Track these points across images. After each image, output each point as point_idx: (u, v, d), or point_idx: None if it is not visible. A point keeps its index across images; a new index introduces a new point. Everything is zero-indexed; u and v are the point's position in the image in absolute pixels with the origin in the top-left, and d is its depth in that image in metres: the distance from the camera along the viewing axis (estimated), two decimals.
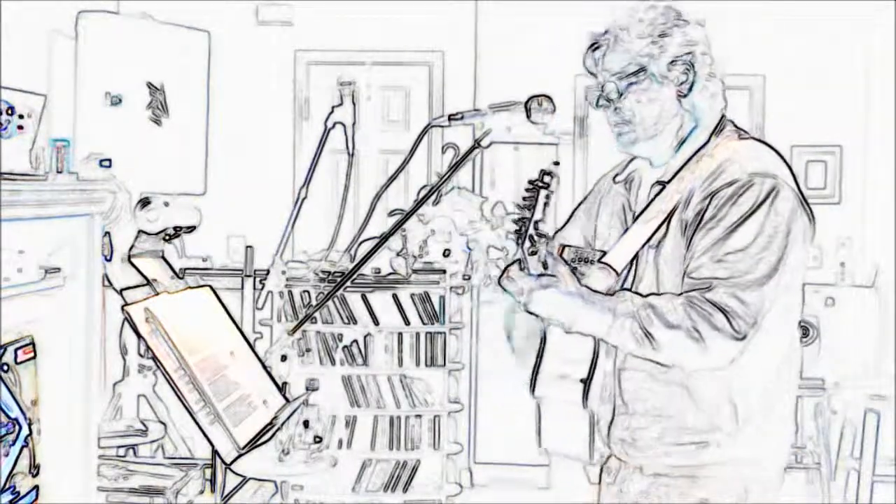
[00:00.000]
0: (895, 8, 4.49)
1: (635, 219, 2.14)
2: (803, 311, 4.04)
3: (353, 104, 4.34)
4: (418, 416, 4.31)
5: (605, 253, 2.14)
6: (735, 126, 2.16)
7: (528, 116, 2.08)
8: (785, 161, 2.07)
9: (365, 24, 4.66)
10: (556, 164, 2.09)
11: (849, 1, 4.49)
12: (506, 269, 2.08)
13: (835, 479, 4.12)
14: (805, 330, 4.09)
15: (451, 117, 2.19)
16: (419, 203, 2.04)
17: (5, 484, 2.13)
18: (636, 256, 2.11)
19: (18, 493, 2.18)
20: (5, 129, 2.31)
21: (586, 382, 2.10)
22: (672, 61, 2.07)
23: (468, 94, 4.72)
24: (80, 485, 2.44)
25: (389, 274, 4.16)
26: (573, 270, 2.13)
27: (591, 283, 2.08)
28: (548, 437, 2.19)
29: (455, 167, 2.17)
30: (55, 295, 2.35)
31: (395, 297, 4.26)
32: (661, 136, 2.12)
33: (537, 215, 2.03)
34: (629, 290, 2.08)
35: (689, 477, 2.07)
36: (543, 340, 2.15)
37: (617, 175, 2.24)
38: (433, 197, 2.13)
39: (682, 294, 2.01)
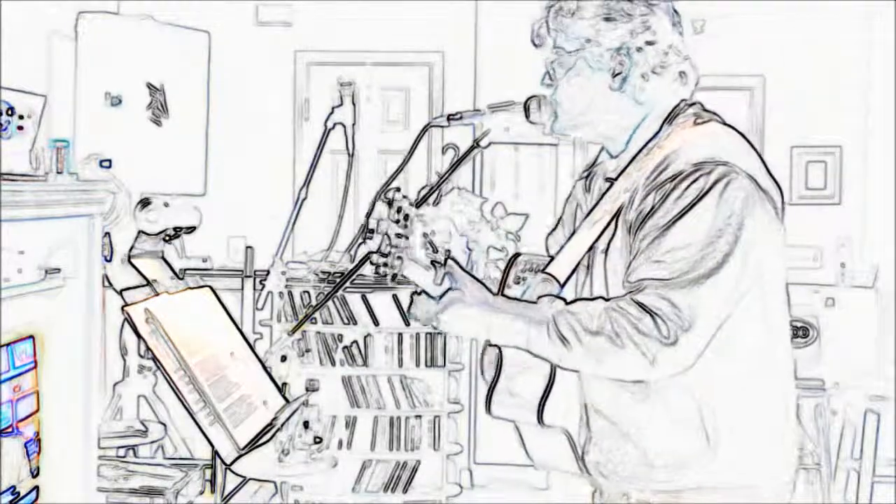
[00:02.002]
0: (895, 8, 4.49)
1: (582, 221, 1.95)
2: (803, 311, 4.06)
3: (353, 104, 4.35)
4: (418, 416, 4.31)
5: (552, 259, 1.96)
6: (701, 109, 1.93)
7: (528, 117, 2.05)
8: (752, 145, 1.87)
9: (365, 24, 4.66)
10: (397, 191, 1.94)
11: (849, 1, 4.49)
12: (412, 298, 1.91)
13: (835, 480, 4.12)
14: (805, 330, 4.09)
15: (450, 117, 2.17)
16: (419, 203, 2.03)
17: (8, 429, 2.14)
18: (591, 261, 1.92)
19: (18, 493, 2.18)
20: (5, 129, 2.31)
21: (541, 400, 1.92)
22: (606, 48, 1.89)
23: (468, 94, 4.72)
24: (81, 485, 2.43)
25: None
26: (522, 281, 1.98)
27: (534, 294, 1.90)
28: (535, 453, 2.04)
29: (454, 167, 2.16)
30: (55, 295, 2.34)
31: (395, 297, 4.26)
32: (594, 126, 1.94)
33: (373, 246, 1.89)
34: (558, 296, 1.87)
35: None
36: (500, 359, 1.97)
37: (582, 172, 2.09)
38: (433, 197, 2.12)
39: (612, 298, 1.81)
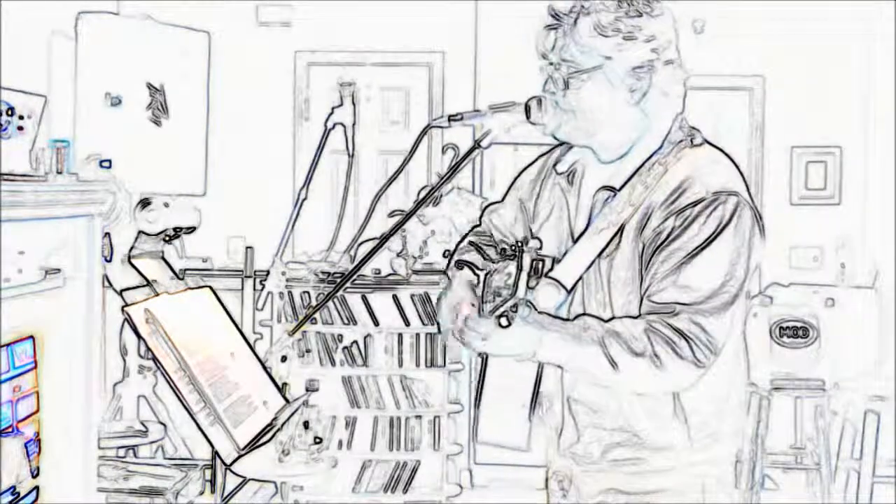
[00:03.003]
0: (895, 8, 4.49)
1: (584, 230, 2.00)
2: (803, 311, 4.06)
3: (353, 105, 4.35)
4: (418, 416, 4.31)
5: (553, 262, 2.01)
6: (688, 126, 2.02)
7: (528, 117, 2.05)
8: (736, 166, 1.99)
9: (365, 24, 4.66)
10: (529, 246, 1.99)
11: (849, 1, 4.49)
12: (461, 319, 1.97)
13: (835, 480, 4.12)
14: (805, 330, 4.09)
15: (450, 118, 2.17)
16: (419, 204, 2.03)
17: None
18: (588, 267, 1.99)
19: (18, 493, 2.18)
20: (5, 129, 2.31)
21: (533, 396, 2.01)
22: (627, 66, 1.93)
23: (468, 94, 4.72)
24: (80, 486, 2.43)
25: (389, 275, 4.16)
26: (500, 292, 2.01)
27: (539, 298, 1.97)
28: (485, 430, 2.10)
29: (455, 168, 2.16)
30: (55, 296, 2.34)
31: (395, 297, 4.26)
32: (602, 136, 2.00)
33: (519, 294, 1.95)
34: (590, 314, 1.97)
35: (644, 490, 1.99)
36: (485, 359, 2.05)
37: (557, 163, 2.11)
38: (433, 198, 2.12)
39: (640, 317, 1.92)
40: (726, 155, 2.00)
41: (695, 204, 1.90)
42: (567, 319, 1.96)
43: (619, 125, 1.99)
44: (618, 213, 1.96)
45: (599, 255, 1.98)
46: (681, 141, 1.99)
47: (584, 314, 1.98)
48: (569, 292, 1.98)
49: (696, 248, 1.89)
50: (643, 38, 1.93)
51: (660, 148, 1.99)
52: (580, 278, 1.99)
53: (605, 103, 1.96)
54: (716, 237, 1.89)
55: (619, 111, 1.97)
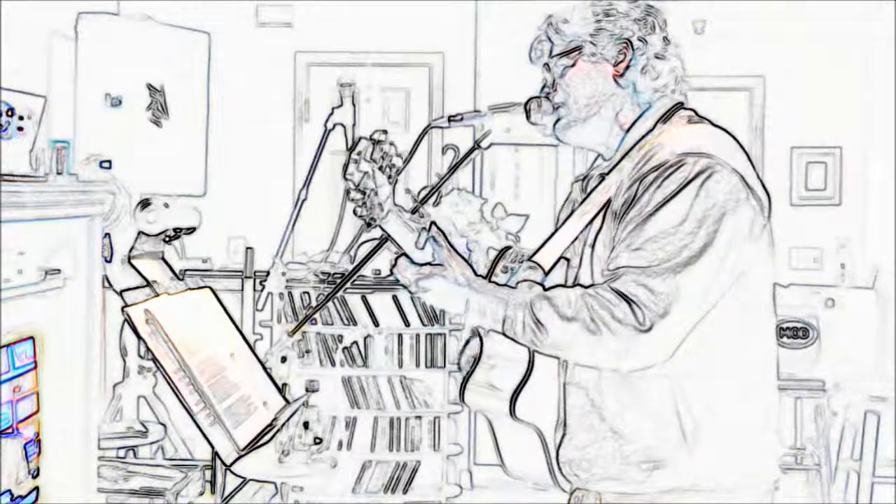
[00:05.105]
0: (895, 8, 4.49)
1: (570, 214, 1.97)
2: (803, 311, 4.06)
3: (353, 105, 4.35)
4: (418, 417, 4.31)
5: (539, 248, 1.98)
6: (696, 114, 1.96)
7: (528, 117, 2.05)
8: (742, 147, 1.87)
9: (365, 24, 4.66)
10: (384, 133, 1.96)
11: (849, 1, 4.49)
12: (396, 259, 1.95)
13: (835, 481, 4.12)
14: (805, 330, 4.09)
15: (450, 118, 2.17)
16: (420, 204, 2.03)
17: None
18: (581, 254, 1.93)
19: (19, 495, 2.18)
20: (5, 130, 2.31)
21: (515, 392, 1.91)
22: (608, 39, 1.93)
23: (468, 95, 4.72)
24: (81, 486, 2.43)
25: (389, 275, 4.16)
26: (508, 270, 1.99)
27: (517, 280, 1.91)
28: (508, 457, 2.05)
29: (455, 168, 2.16)
30: (55, 296, 2.34)
31: (395, 298, 4.26)
32: (595, 120, 1.96)
33: (352, 183, 1.92)
34: (537, 283, 1.89)
35: None
36: (481, 347, 1.98)
37: (579, 175, 2.10)
38: (433, 198, 2.11)
39: (590, 286, 1.81)
40: (731, 135, 1.90)
41: (657, 167, 1.80)
42: (511, 287, 1.89)
43: (609, 102, 1.96)
44: (602, 194, 1.91)
45: (584, 237, 1.92)
46: (677, 122, 1.93)
47: (525, 280, 1.89)
48: (546, 273, 1.92)
49: (652, 209, 1.77)
50: (622, 14, 1.94)
51: (652, 129, 1.93)
52: (559, 259, 1.94)
53: (591, 79, 1.95)
54: (673, 196, 1.76)
55: (606, 87, 1.95)
